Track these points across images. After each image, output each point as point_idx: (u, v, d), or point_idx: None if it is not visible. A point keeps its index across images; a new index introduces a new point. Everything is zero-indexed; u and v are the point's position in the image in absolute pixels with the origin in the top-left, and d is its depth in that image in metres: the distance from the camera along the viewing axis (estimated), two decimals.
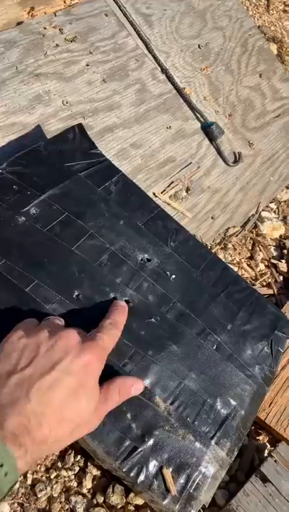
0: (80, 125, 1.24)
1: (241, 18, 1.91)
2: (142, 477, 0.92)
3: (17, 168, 1.12)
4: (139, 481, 0.92)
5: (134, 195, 1.24)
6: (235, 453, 1.03)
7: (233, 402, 1.07)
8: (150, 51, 1.58)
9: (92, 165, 1.21)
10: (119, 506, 1.00)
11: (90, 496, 1.01)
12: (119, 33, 1.53)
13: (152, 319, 1.08)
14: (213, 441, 1.00)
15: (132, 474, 0.92)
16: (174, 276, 1.17)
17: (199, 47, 1.73)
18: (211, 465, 0.99)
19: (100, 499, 1.00)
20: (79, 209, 1.14)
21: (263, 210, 1.73)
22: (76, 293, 1.03)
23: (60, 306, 1.00)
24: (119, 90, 1.48)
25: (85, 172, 1.19)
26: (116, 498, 0.99)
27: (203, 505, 0.96)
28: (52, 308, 0.99)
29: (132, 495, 1.01)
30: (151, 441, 0.95)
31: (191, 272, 1.21)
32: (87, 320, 1.02)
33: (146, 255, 1.16)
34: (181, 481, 0.95)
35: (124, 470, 0.92)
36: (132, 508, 1.01)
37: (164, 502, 0.92)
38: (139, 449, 0.94)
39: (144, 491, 0.93)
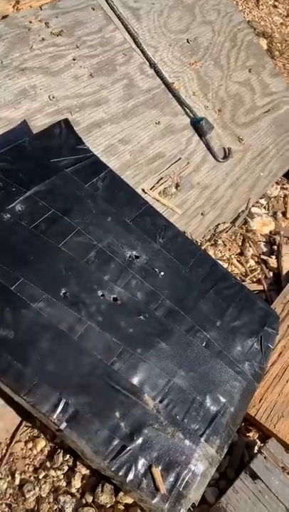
0: (66, 120, 1.22)
1: (230, 12, 1.89)
2: (130, 476, 0.92)
3: (1, 164, 1.10)
4: (128, 480, 0.91)
5: (121, 192, 1.22)
6: (225, 450, 1.03)
7: (222, 399, 1.07)
8: (138, 45, 1.56)
9: (79, 161, 1.19)
10: (108, 506, 0.99)
11: (78, 496, 1.00)
12: (106, 26, 1.51)
13: (141, 317, 1.08)
14: (202, 439, 1.00)
15: (120, 473, 0.91)
16: (162, 273, 1.17)
17: (188, 41, 1.71)
18: (201, 463, 0.98)
19: (89, 499, 0.99)
20: (65, 206, 1.12)
21: (252, 205, 1.72)
22: (63, 291, 1.02)
23: (46, 304, 0.99)
24: (107, 85, 1.46)
25: (72, 168, 1.17)
26: (105, 498, 0.99)
27: (193, 503, 0.95)
28: (38, 307, 0.98)
29: (121, 494, 1.00)
30: (140, 440, 0.95)
31: (180, 269, 1.20)
32: (74, 318, 1.01)
33: (134, 252, 1.15)
34: (171, 479, 0.94)
35: (112, 469, 0.91)
36: (121, 507, 1.00)
37: (154, 501, 0.92)
38: (128, 448, 0.93)
39: (133, 490, 0.93)
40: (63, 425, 0.90)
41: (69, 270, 1.05)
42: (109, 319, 1.03)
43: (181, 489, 0.94)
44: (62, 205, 1.11)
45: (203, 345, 1.10)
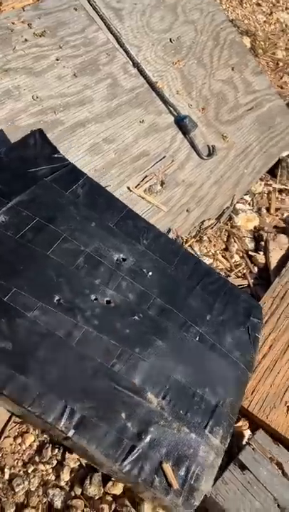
0: (40, 130, 1.23)
1: (213, 11, 1.92)
2: (143, 476, 0.92)
3: None
4: (140, 480, 0.92)
5: (101, 197, 1.24)
6: (228, 439, 1.05)
7: (220, 390, 1.09)
8: (121, 45, 1.58)
9: (56, 169, 1.20)
10: (96, 497, 1.01)
11: (67, 489, 1.02)
12: (89, 27, 1.53)
13: (135, 317, 1.09)
14: (206, 431, 1.02)
15: (132, 474, 0.91)
16: (150, 273, 1.18)
17: (171, 41, 1.73)
18: (208, 454, 1.00)
19: (78, 491, 1.01)
20: (49, 214, 1.13)
21: (237, 202, 1.75)
22: (57, 298, 1.03)
23: (41, 312, 0.99)
24: (91, 85, 1.48)
25: (51, 177, 1.18)
26: (93, 490, 1.01)
27: (205, 494, 0.96)
28: (34, 316, 0.98)
29: (109, 484, 1.02)
30: (148, 438, 0.95)
31: (166, 268, 1.22)
32: (71, 324, 1.01)
33: (121, 255, 1.17)
34: (182, 473, 0.95)
35: (124, 471, 0.91)
36: (109, 498, 1.02)
37: (168, 497, 0.92)
38: (137, 448, 0.93)
39: (147, 489, 0.93)
40: (71, 432, 0.90)
41: (60, 277, 1.06)
42: (105, 322, 1.04)
43: (192, 482, 0.95)
44: (45, 213, 1.12)
45: (197, 339, 1.13)
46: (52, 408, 0.90)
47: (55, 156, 1.23)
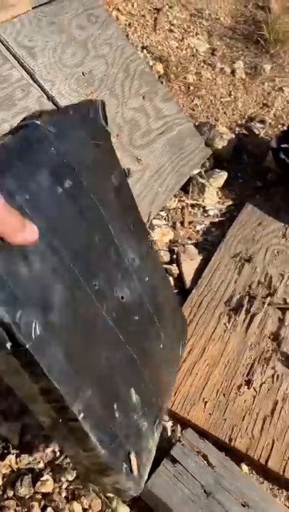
0: (102, 103, 1.15)
1: (122, 45, 2.10)
2: (118, 462, 0.98)
3: (56, 126, 0.92)
4: (114, 466, 0.96)
5: (127, 192, 1.20)
6: (159, 436, 1.19)
7: (165, 392, 1.23)
8: (35, 81, 1.71)
9: (107, 146, 1.14)
10: (27, 497, 1.13)
11: (0, 492, 1.13)
12: (3, 65, 1.64)
13: (136, 317, 1.13)
14: (154, 427, 1.14)
15: (110, 460, 0.96)
16: (147, 278, 1.21)
17: (83, 74, 1.89)
18: (152, 446, 1.13)
19: (10, 493, 1.13)
20: (99, 196, 1.04)
21: (154, 218, 1.94)
22: (95, 282, 0.98)
23: (84, 295, 0.94)
24: (8, 119, 1.59)
25: (101, 155, 1.11)
26: (24, 490, 1.13)
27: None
28: (80, 297, 0.93)
29: (38, 484, 1.15)
30: (126, 430, 1.02)
31: (155, 276, 1.28)
32: (100, 311, 1.00)
33: (132, 255, 1.17)
34: (139, 462, 1.04)
35: (106, 456, 0.93)
36: (39, 496, 1.14)
37: (128, 482, 1.01)
38: (118, 437, 0.99)
39: (116, 473, 0.98)
40: (81, 416, 0.88)
41: (100, 261, 1.03)
42: (119, 316, 1.05)
43: (141, 470, 1.06)
44: (97, 195, 1.04)
45: (161, 347, 1.23)
46: (70, 392, 0.85)
47: (106, 129, 1.17)
